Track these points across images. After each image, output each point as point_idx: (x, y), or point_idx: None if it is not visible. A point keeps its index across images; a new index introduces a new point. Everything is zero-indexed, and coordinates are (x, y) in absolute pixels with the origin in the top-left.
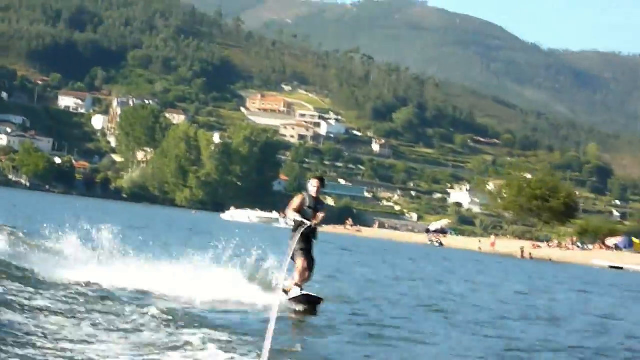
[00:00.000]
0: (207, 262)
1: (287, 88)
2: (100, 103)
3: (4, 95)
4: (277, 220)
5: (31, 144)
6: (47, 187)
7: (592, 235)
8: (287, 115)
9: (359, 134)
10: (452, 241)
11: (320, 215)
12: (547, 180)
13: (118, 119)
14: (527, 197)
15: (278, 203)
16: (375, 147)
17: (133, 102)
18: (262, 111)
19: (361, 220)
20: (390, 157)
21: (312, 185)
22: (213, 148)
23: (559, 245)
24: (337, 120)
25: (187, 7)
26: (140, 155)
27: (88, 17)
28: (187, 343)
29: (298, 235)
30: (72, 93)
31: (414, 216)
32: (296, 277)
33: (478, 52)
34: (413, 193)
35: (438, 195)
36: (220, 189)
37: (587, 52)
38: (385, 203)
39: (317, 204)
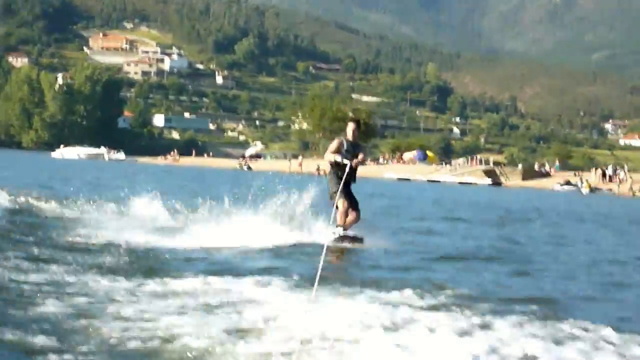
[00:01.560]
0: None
1: (128, 26)
2: None
3: None
4: (102, 155)
5: None
6: None
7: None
8: (129, 53)
9: (201, 67)
10: (265, 165)
11: (360, 156)
12: (347, 102)
13: None
14: (330, 119)
15: (124, 139)
16: (219, 79)
17: None
18: (104, 50)
19: (206, 151)
20: (234, 88)
21: (349, 129)
22: (56, 89)
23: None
24: (179, 55)
25: None
26: None
27: None
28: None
29: (337, 177)
30: None
31: (259, 144)
32: (338, 218)
33: None
34: (257, 122)
35: (282, 123)
36: (65, 129)
37: None
38: (229, 133)
39: (354, 147)
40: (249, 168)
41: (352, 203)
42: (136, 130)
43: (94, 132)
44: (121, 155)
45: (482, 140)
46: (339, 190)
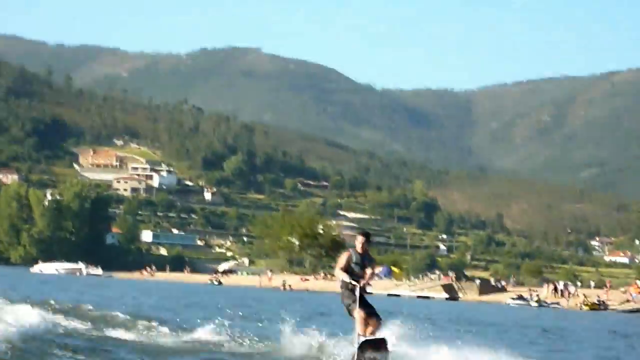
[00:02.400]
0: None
1: (118, 142)
2: None
3: None
4: (80, 270)
5: None
6: None
7: None
8: (119, 169)
9: (190, 183)
10: (239, 280)
11: (369, 271)
12: (316, 220)
13: None
14: (299, 235)
15: (112, 255)
16: (207, 195)
17: None
18: (94, 166)
19: (194, 267)
20: (222, 204)
21: (358, 242)
22: (45, 205)
23: (325, 277)
24: (168, 171)
25: (17, 67)
26: None
27: None
28: None
29: (354, 299)
30: None
31: (246, 261)
32: (359, 328)
33: (313, 96)
34: (245, 238)
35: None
36: (53, 245)
37: (420, 90)
38: (217, 250)
39: (364, 259)
40: (220, 283)
41: (371, 310)
42: (124, 247)
43: (82, 248)
44: (98, 271)
45: (468, 257)
46: (354, 301)
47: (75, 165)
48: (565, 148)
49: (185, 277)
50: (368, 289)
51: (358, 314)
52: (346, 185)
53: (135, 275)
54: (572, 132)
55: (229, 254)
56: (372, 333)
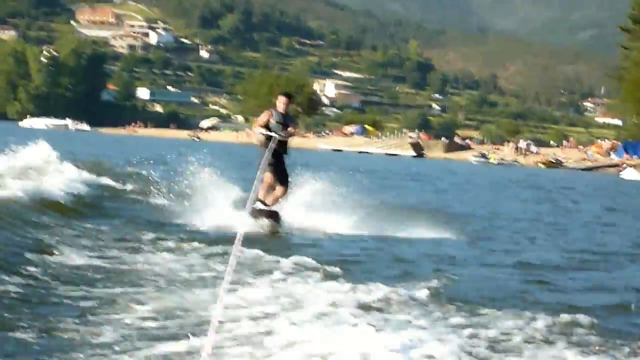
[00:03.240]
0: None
1: (116, 0)
2: None
3: None
4: (66, 126)
5: None
6: None
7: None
8: (116, 27)
9: (187, 41)
10: (218, 136)
11: (290, 128)
12: (294, 79)
13: None
14: (276, 95)
15: (107, 111)
16: (204, 53)
17: None
18: (91, 23)
19: (189, 124)
20: (218, 62)
21: (280, 102)
22: (42, 61)
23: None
24: (165, 29)
25: None
26: None
27: None
28: None
29: (267, 152)
30: None
31: (240, 118)
32: (260, 192)
33: None
34: (240, 96)
35: None
36: (50, 101)
37: None
38: (212, 107)
39: (285, 119)
40: (198, 138)
41: (281, 177)
42: (120, 103)
43: (78, 104)
44: (85, 126)
45: (461, 116)
46: (268, 164)
47: (73, 22)
48: (565, 9)
49: (167, 132)
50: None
51: (266, 177)
52: (342, 44)
53: (121, 131)
54: None
55: (224, 111)
56: (275, 200)
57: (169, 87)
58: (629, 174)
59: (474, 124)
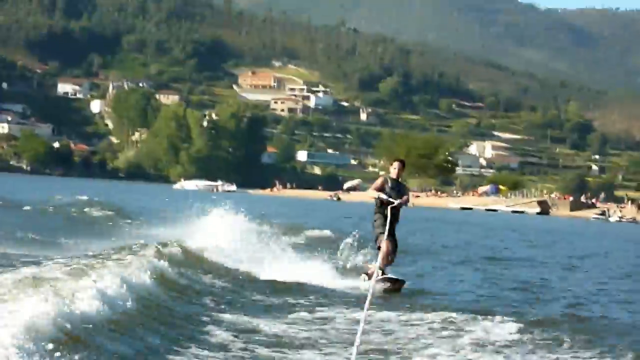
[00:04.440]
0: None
1: (277, 64)
2: (97, 88)
3: (4, 85)
4: (217, 187)
5: (31, 130)
6: (47, 170)
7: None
8: (277, 90)
9: (346, 104)
10: (360, 196)
11: (405, 197)
12: (431, 140)
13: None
14: (415, 156)
15: (267, 173)
16: (363, 116)
17: (127, 85)
18: (253, 87)
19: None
20: (377, 125)
21: (393, 168)
22: (205, 125)
23: (435, 194)
24: (325, 92)
25: None
26: (135, 136)
27: (82, 5)
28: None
29: (382, 217)
30: (70, 79)
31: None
32: (379, 260)
33: (476, 16)
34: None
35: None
36: (211, 163)
37: (584, 9)
38: (370, 169)
39: (398, 186)
40: (338, 199)
41: (394, 244)
42: (280, 165)
43: (239, 166)
44: (232, 187)
45: (620, 177)
46: (383, 232)
47: (234, 86)
48: None
49: (309, 193)
50: (400, 219)
51: (385, 245)
52: (501, 106)
53: (266, 191)
54: None
55: (382, 172)
56: (384, 265)
57: (328, 150)
58: None
59: (634, 185)
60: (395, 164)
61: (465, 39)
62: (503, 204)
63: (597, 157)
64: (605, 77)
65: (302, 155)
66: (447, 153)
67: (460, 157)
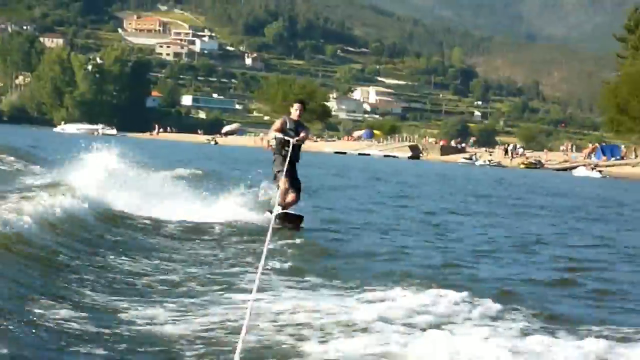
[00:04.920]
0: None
1: (162, 8)
2: None
3: None
4: (97, 130)
5: None
6: None
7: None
8: (162, 34)
9: (231, 49)
10: (235, 140)
11: (302, 134)
12: (306, 86)
13: None
14: (291, 101)
15: (151, 117)
16: (248, 61)
17: (11, 28)
18: (138, 31)
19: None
20: (262, 70)
21: (294, 109)
22: (89, 69)
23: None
24: (210, 37)
25: None
26: (19, 79)
27: None
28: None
29: (281, 157)
30: None
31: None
32: (277, 198)
33: None
34: (283, 103)
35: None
36: (95, 107)
37: None
38: (255, 114)
39: (297, 126)
40: (216, 142)
41: (293, 183)
42: (164, 110)
43: (123, 110)
44: (113, 131)
45: (501, 123)
46: (281, 170)
47: (119, 30)
48: (616, 15)
49: (187, 137)
50: (301, 157)
51: (283, 183)
52: (385, 52)
53: (145, 135)
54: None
55: (266, 117)
56: (289, 205)
57: (214, 94)
58: (579, 171)
59: (515, 130)
60: (296, 105)
61: None
62: (376, 148)
63: (479, 103)
64: (490, 24)
65: (187, 100)
66: (323, 99)
67: (345, 102)
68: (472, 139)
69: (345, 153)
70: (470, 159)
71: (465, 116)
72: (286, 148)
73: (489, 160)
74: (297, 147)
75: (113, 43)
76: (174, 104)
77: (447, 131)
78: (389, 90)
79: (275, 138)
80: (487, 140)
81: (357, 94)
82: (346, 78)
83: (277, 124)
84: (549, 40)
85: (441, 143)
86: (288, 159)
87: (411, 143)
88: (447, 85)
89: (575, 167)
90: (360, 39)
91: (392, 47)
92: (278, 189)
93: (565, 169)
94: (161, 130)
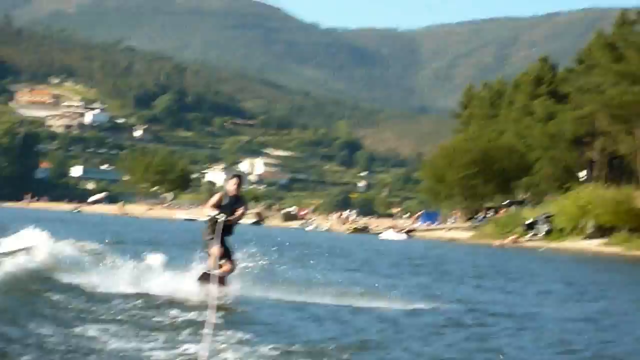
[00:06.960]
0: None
1: (54, 81)
2: None
3: None
4: None
5: None
6: None
7: None
8: (54, 107)
9: (122, 121)
10: (101, 208)
11: (239, 211)
12: (167, 158)
13: None
14: (151, 172)
15: (41, 189)
16: (137, 133)
17: None
18: (30, 104)
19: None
20: (152, 142)
21: (231, 184)
22: None
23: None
24: (101, 109)
25: None
26: None
27: None
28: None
29: (216, 230)
30: None
31: (169, 195)
32: (210, 263)
33: (258, 35)
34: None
35: (194, 175)
36: None
37: (364, 29)
38: (141, 185)
39: (235, 201)
40: (78, 211)
41: (227, 254)
42: (53, 181)
43: (12, 181)
44: None
45: (385, 193)
46: (214, 238)
47: (11, 103)
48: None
49: (53, 205)
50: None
51: (216, 249)
52: (274, 124)
53: (19, 204)
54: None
55: (153, 189)
56: (224, 274)
57: (104, 166)
58: (386, 234)
59: (398, 200)
60: (232, 180)
61: (247, 57)
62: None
63: (364, 173)
64: (382, 96)
65: (77, 171)
66: (181, 169)
67: (231, 173)
68: (311, 208)
69: (195, 220)
70: (303, 224)
71: (350, 186)
72: (217, 223)
73: (316, 226)
74: (230, 223)
75: (4, 115)
76: (62, 174)
77: (329, 201)
78: (276, 162)
79: (208, 215)
80: (368, 210)
81: (245, 165)
82: (232, 150)
83: (214, 198)
84: (440, 112)
85: (283, 212)
86: (220, 230)
87: (257, 210)
88: (333, 157)
89: (384, 231)
90: (249, 111)
91: (280, 119)
92: (209, 255)
93: (379, 233)
94: (35, 198)
